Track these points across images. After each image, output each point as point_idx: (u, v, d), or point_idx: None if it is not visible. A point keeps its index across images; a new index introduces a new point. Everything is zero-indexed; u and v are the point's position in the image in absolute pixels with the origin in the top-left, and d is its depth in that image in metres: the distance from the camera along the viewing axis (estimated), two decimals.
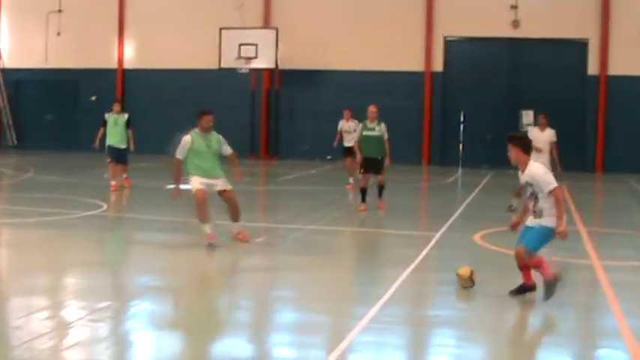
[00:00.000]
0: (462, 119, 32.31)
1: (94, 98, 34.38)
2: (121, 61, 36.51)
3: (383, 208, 17.68)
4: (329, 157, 32.48)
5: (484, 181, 25.74)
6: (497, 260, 12.68)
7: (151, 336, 8.19)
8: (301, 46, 33.38)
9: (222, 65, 32.43)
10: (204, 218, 12.71)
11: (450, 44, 32.95)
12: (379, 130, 18.04)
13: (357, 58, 33.07)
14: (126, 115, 20.68)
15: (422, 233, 15.05)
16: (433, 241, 13.78)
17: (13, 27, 37.98)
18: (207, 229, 12.72)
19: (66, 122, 36.62)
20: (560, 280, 9.43)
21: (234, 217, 13.16)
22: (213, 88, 34.09)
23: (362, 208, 17.49)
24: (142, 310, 9.11)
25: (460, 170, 30.29)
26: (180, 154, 12.96)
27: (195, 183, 12.78)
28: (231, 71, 32.61)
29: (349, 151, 22.30)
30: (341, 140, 22.78)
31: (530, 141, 9.79)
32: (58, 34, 36.08)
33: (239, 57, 32.05)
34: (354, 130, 22.72)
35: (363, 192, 17.68)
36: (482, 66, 32.51)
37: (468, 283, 9.95)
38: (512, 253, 12.77)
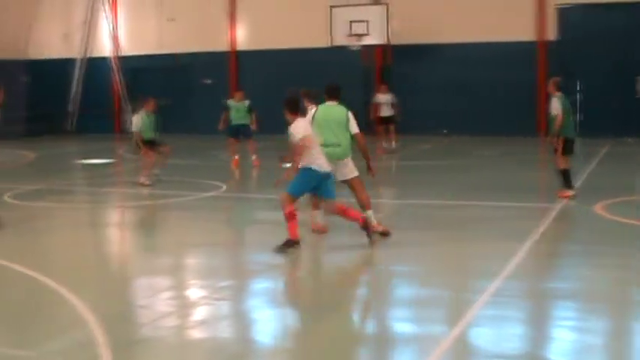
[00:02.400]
0: (578, 88, 31.53)
1: (209, 81, 34.92)
2: (233, 43, 36.91)
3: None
4: (445, 131, 32.24)
5: (604, 151, 25.14)
6: (618, 231, 12.43)
7: (271, 313, 8.32)
8: (412, 21, 33.10)
9: (334, 43, 32.41)
10: None
11: (562, 12, 32.17)
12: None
13: (468, 30, 32.58)
14: (247, 102, 21.97)
15: (541, 205, 14.82)
16: (553, 213, 13.57)
17: (129, 15, 38.83)
18: None
19: (181, 106, 37.29)
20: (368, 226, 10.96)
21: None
22: (324, 67, 34.11)
23: (568, 194, 14.91)
24: (262, 288, 9.26)
25: (579, 140, 29.63)
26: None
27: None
28: (343, 49, 32.58)
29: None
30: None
31: (292, 100, 11.14)
32: (172, 19, 36.70)
33: (350, 34, 31.98)
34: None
35: (568, 174, 15.31)
36: (596, 33, 31.64)
37: None
38: (634, 222, 12.55)
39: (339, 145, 11.45)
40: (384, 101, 26.54)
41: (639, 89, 31.20)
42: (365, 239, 10.89)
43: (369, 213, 11.42)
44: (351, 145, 11.58)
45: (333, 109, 11.75)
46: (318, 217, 11.86)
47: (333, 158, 11.28)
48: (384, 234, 11.53)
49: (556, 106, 15.26)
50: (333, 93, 11.86)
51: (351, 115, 11.65)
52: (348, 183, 11.67)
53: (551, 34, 32.09)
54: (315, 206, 11.77)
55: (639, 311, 8.20)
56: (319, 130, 11.37)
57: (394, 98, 26.70)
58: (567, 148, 15.17)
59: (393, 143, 25.83)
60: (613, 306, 8.29)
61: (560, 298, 8.64)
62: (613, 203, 14.41)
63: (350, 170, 11.59)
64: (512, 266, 9.76)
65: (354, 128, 11.61)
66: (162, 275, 10.06)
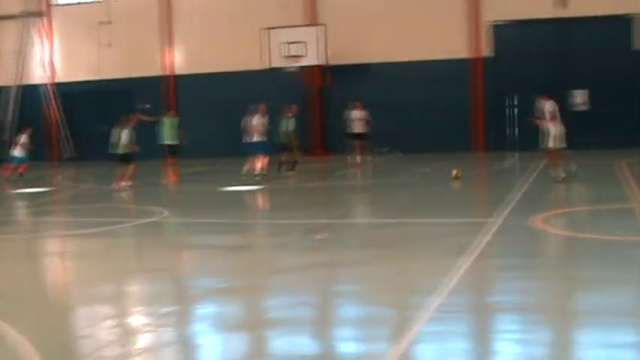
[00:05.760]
0: (514, 103, 31.95)
1: (147, 106, 34.75)
2: (171, 67, 36.79)
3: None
4: (384, 149, 32.42)
5: (542, 165, 25.44)
6: (559, 243, 12.57)
7: (216, 338, 8.25)
8: (348, 41, 33.30)
9: (272, 65, 32.45)
10: None
11: (496, 29, 32.62)
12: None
13: (403, 49, 32.93)
14: (177, 119, 25.10)
15: (479, 220, 14.94)
16: (492, 228, 13.67)
17: (65, 41, 38.49)
18: None
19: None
20: None
21: None
22: (262, 88, 34.19)
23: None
24: (206, 313, 9.18)
25: (517, 155, 29.98)
26: None
27: None
28: (280, 70, 32.64)
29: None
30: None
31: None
32: (109, 45, 36.47)
33: (288, 55, 32.05)
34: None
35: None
36: (530, 48, 32.13)
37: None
38: (572, 234, 12.71)
39: None
40: (359, 117, 28.15)
41: (574, 103, 31.77)
42: None
43: None
44: None
45: None
46: None
47: None
48: None
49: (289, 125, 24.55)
50: None
51: None
52: None
53: (485, 51, 32.50)
54: None
55: (583, 321, 8.26)
56: None
57: (369, 115, 28.11)
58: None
59: (358, 158, 27.44)
60: (556, 317, 8.34)
61: (503, 312, 8.68)
62: (551, 215, 14.58)
63: None
64: (454, 282, 9.79)
65: None
66: (103, 304, 9.91)
